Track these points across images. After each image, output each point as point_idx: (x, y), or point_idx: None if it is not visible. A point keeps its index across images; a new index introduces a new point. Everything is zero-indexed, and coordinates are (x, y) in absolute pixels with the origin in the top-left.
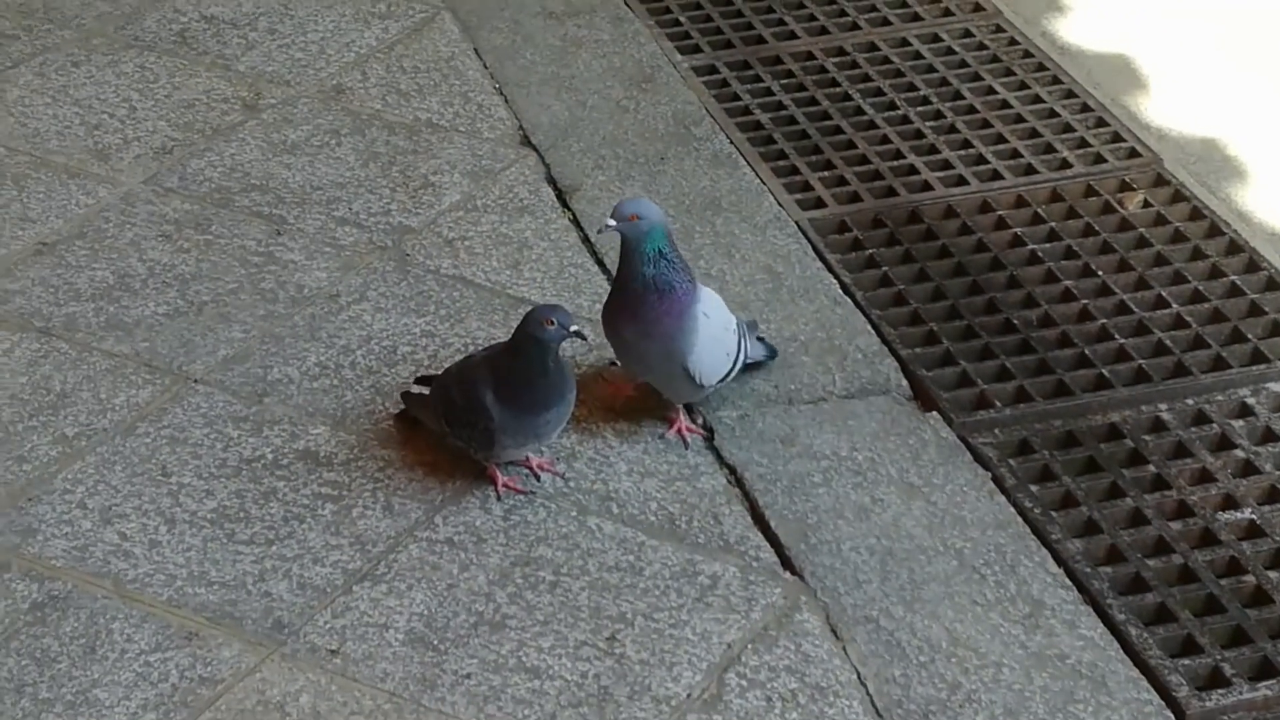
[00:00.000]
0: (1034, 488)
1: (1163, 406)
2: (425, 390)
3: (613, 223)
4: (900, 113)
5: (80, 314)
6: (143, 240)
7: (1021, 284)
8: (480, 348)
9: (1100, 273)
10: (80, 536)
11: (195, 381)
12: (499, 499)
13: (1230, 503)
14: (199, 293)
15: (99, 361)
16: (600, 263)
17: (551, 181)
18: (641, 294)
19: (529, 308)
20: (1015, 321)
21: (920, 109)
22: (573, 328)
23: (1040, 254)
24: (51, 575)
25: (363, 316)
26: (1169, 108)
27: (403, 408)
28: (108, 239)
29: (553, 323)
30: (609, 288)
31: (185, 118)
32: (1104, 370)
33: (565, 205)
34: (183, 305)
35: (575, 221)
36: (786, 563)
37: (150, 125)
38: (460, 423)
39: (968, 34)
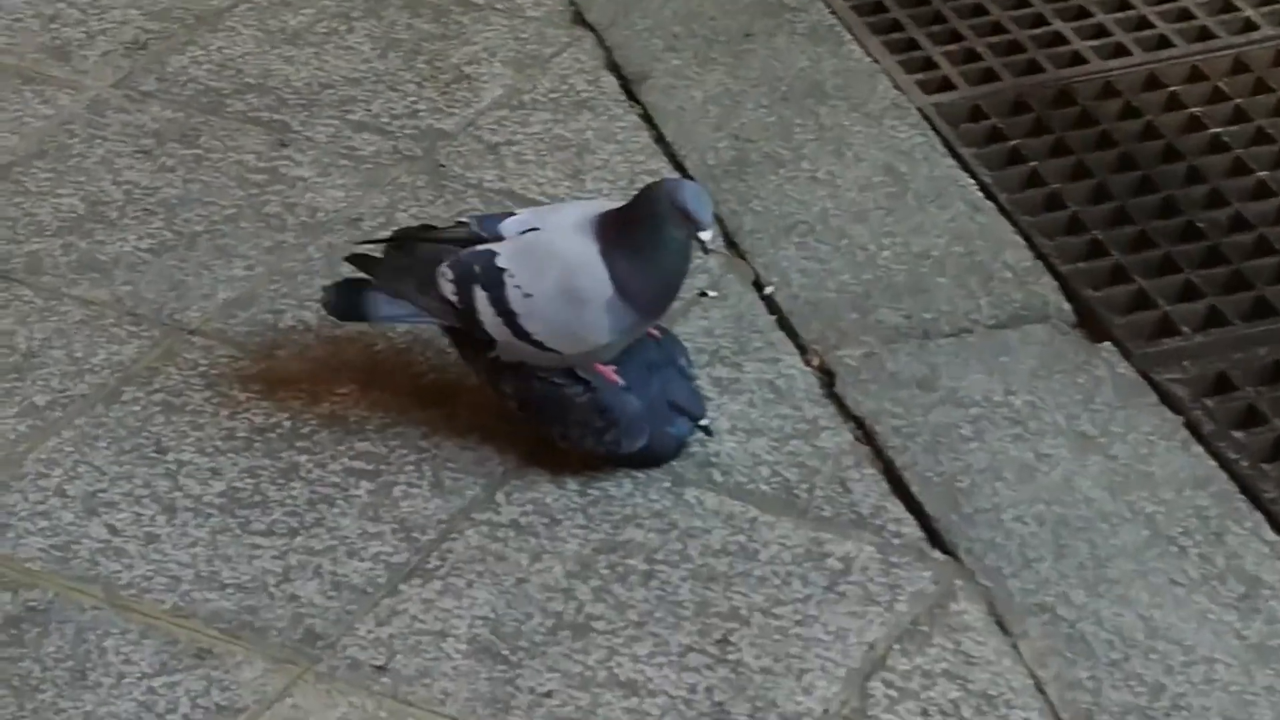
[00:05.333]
0: (1238, 434)
1: None
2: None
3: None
4: None
5: (46, 252)
6: (117, 158)
7: (1204, 177)
8: None
9: None
10: (61, 532)
11: (191, 333)
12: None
13: None
14: (189, 221)
15: (72, 311)
16: (681, 167)
17: (614, 68)
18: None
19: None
20: (1200, 224)
21: None
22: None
23: (1225, 139)
24: (28, 582)
25: None
26: None
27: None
28: (74, 158)
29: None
30: None
31: (162, 2)
32: None
33: (632, 97)
34: (170, 238)
35: (646, 117)
36: (935, 538)
37: (119, 14)
38: (563, 419)
39: None
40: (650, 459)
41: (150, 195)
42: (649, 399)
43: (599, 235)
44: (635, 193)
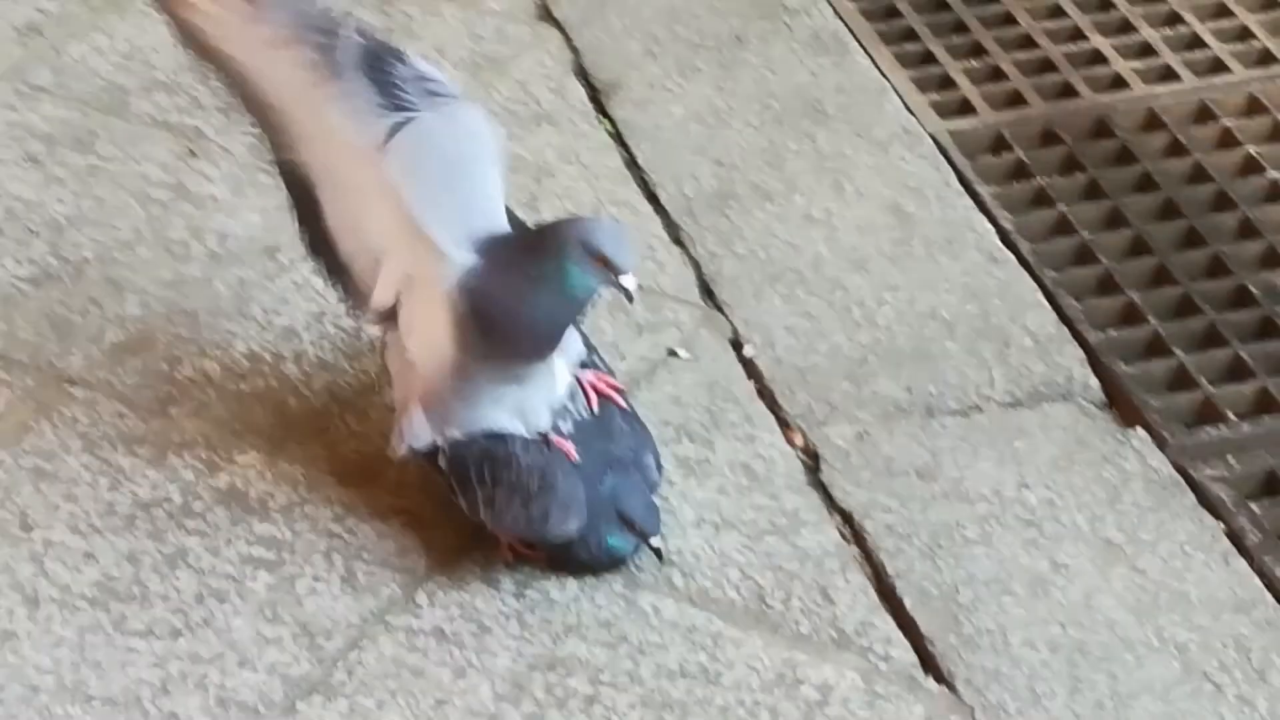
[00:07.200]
0: None
1: None
2: None
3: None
4: None
5: None
6: None
7: (1261, 230)
8: None
9: None
10: None
11: (71, 383)
12: (508, 564)
13: None
14: (78, 246)
15: None
16: (653, 197)
17: (582, 75)
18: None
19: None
20: (1253, 288)
21: None
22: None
23: None
24: None
25: (313, 282)
26: None
27: None
28: None
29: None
30: (662, 233)
31: None
32: None
33: (602, 111)
34: (54, 265)
35: (616, 135)
36: (929, 664)
37: None
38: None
39: None
40: (579, 565)
41: (34, 212)
42: (596, 496)
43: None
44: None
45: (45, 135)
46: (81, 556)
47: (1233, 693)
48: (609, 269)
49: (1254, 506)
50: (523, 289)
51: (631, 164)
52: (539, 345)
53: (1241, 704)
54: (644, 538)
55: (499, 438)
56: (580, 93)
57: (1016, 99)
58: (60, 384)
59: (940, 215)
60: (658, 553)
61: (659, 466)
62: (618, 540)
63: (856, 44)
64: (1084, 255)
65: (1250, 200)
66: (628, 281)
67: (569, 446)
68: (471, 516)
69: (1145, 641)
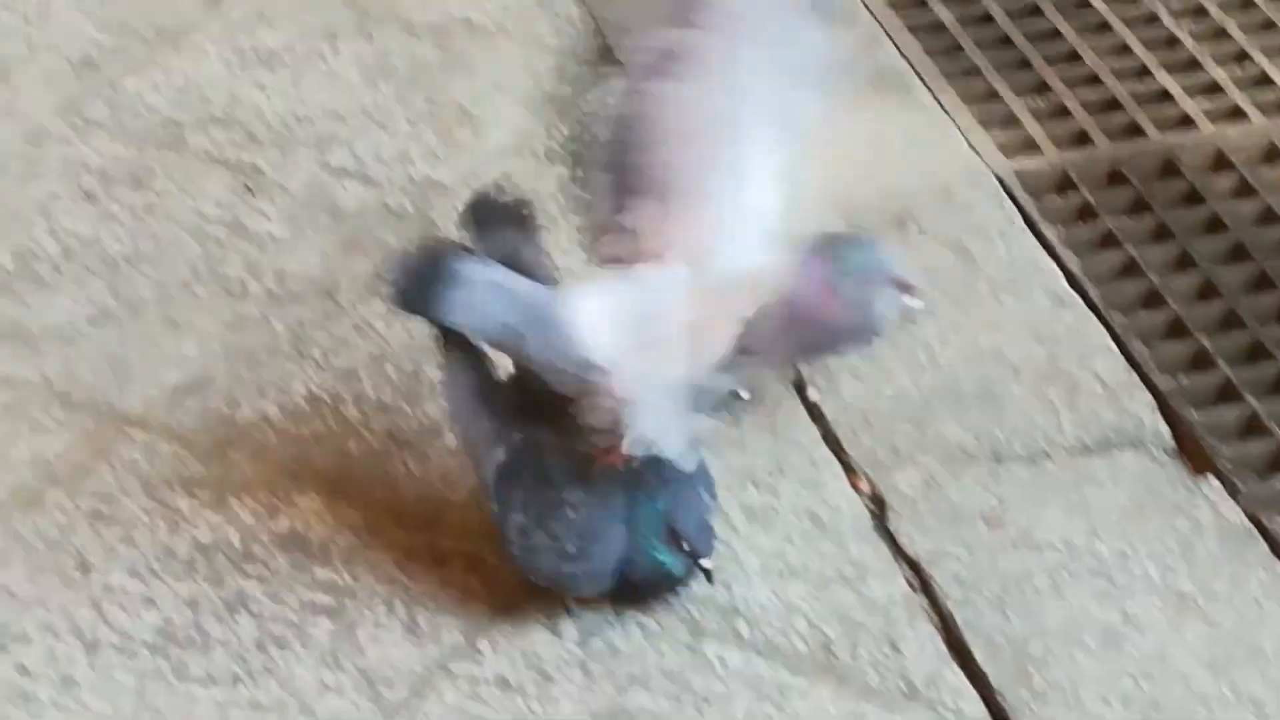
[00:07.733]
0: None
1: None
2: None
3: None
4: (1146, 9)
5: None
6: (54, 201)
7: None
8: None
9: None
10: None
11: (130, 424)
12: (569, 612)
13: None
14: (136, 285)
15: None
16: None
17: None
18: None
19: None
20: None
21: (1178, 5)
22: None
23: None
24: None
25: (373, 323)
26: None
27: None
28: (2, 199)
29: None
30: None
31: (118, 14)
32: None
33: None
34: (113, 305)
35: None
36: (1000, 718)
37: (67, 23)
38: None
39: None
40: (633, 589)
41: (91, 249)
42: (645, 513)
43: None
44: None
45: (100, 170)
46: (141, 601)
47: None
48: (903, 289)
49: None
50: (834, 304)
51: None
52: (810, 354)
53: None
54: (694, 558)
55: (553, 482)
56: None
57: (1082, 138)
58: (119, 425)
59: (1005, 256)
60: (708, 574)
61: (714, 494)
62: (667, 557)
63: (919, 81)
64: (1152, 298)
65: None
66: (917, 301)
67: (617, 458)
68: (495, 523)
69: (1220, 697)
